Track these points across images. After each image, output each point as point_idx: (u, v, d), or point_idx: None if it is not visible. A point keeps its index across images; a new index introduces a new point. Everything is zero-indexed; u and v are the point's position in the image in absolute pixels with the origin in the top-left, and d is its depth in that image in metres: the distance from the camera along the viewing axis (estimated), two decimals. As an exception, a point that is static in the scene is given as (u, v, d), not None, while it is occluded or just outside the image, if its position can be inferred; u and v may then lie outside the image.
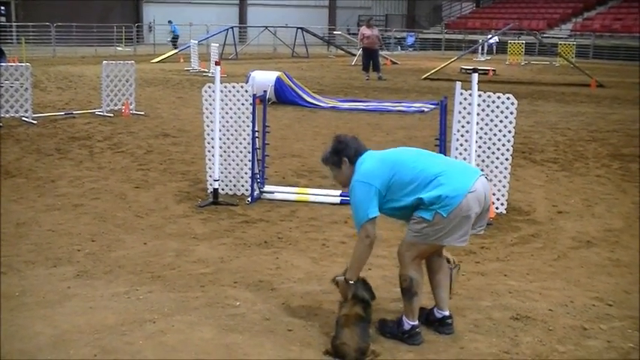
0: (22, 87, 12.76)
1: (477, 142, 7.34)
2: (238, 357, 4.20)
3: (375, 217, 4.30)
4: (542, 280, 5.61)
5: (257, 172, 7.95)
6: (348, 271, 4.44)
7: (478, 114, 7.31)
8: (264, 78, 15.85)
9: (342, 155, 4.53)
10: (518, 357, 4.27)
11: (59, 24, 34.20)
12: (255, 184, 7.96)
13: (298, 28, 39.16)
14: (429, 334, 4.55)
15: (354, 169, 4.47)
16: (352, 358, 4.08)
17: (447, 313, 4.64)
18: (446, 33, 47.57)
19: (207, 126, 8.09)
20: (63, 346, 4.29)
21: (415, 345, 4.41)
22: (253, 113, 7.87)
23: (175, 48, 35.32)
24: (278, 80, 16.09)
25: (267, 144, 8.22)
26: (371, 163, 4.40)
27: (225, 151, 8.11)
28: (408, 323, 4.46)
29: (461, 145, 7.53)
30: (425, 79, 24.66)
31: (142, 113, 14.31)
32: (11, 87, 12.68)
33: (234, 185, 8.22)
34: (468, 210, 4.23)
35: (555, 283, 5.55)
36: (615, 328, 4.72)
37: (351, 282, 4.41)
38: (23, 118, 12.71)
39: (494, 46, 42.08)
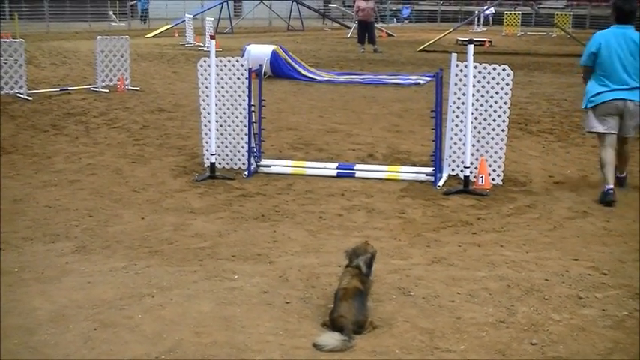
0: (16, 63, 12.69)
1: (472, 113, 7.34)
2: (236, 329, 4.23)
3: (582, 66, 6.93)
4: (538, 250, 5.65)
5: (253, 145, 7.95)
6: None
7: (474, 85, 7.31)
8: (260, 52, 15.81)
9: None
10: (514, 326, 4.31)
11: (52, -1, 33.96)
12: (252, 158, 7.96)
13: (293, 1, 38.84)
14: (422, 304, 4.59)
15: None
16: (350, 330, 4.08)
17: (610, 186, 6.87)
18: (442, 4, 47.30)
19: (203, 100, 8.07)
20: (62, 320, 4.32)
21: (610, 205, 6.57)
22: (249, 87, 7.85)
23: (144, 22, 36.18)
24: (273, 54, 16.03)
25: (263, 118, 8.21)
26: (601, 34, 6.64)
27: (221, 126, 8.09)
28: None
29: (457, 116, 7.53)
30: (421, 51, 24.58)
31: (138, 88, 14.26)
32: (5, 63, 12.61)
33: (231, 159, 8.22)
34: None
35: (551, 253, 5.58)
36: (610, 296, 4.76)
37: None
38: (18, 95, 12.65)
39: (491, 17, 41.93)
